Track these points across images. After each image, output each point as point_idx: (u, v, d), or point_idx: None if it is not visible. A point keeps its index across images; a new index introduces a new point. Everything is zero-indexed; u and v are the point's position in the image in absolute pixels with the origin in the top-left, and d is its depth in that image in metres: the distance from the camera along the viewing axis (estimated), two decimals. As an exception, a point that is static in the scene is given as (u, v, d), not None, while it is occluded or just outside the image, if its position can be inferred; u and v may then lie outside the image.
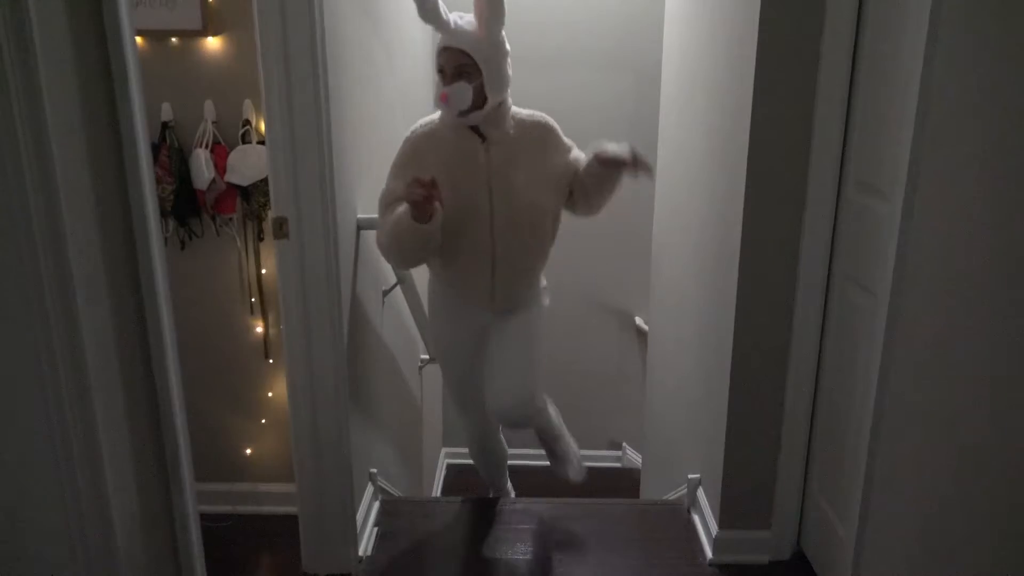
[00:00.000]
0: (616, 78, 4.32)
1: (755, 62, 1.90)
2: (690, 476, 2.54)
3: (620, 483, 4.62)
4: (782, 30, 1.87)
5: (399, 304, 3.04)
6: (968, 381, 1.41)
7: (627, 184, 4.32)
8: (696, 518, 2.49)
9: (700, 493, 2.49)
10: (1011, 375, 1.29)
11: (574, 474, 2.74)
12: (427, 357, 3.78)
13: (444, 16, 1.92)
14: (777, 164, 1.96)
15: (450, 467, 4.88)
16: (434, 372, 4.40)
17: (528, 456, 4.92)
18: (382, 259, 2.63)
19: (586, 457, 4.84)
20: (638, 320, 4.55)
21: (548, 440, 2.69)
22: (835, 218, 1.97)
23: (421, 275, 3.45)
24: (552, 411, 2.60)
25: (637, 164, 2.03)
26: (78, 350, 1.08)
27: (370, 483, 2.49)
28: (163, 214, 2.43)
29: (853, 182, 1.89)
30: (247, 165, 2.43)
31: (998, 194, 1.32)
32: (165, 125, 2.43)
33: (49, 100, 1.00)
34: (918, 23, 1.53)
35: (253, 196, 2.50)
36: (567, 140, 2.23)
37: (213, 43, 2.40)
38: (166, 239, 2.50)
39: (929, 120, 1.52)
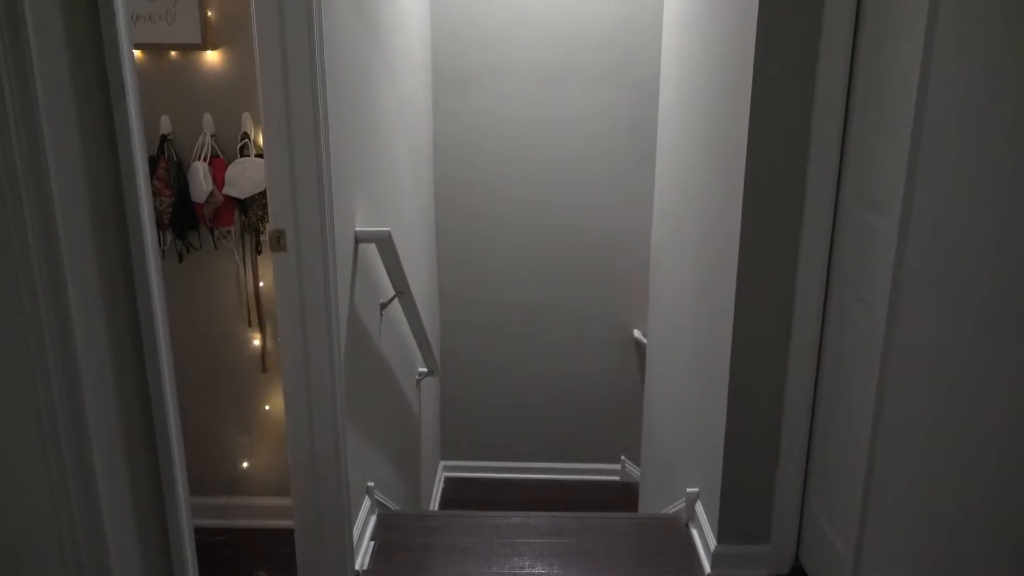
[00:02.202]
0: (615, 92, 4.34)
1: (752, 76, 1.90)
2: (688, 490, 2.53)
3: (619, 497, 4.61)
4: (779, 44, 1.88)
5: (397, 317, 3.04)
6: (966, 394, 1.41)
7: (625, 198, 4.37)
8: (695, 532, 2.48)
9: (698, 507, 2.48)
10: (1010, 388, 1.28)
11: None
12: (425, 370, 3.77)
13: None
14: (775, 177, 1.96)
15: (448, 480, 4.87)
16: (432, 385, 4.39)
17: (528, 470, 4.92)
18: (380, 271, 2.63)
19: (585, 470, 4.87)
20: (636, 333, 4.55)
21: None
22: (832, 231, 1.97)
23: (419, 289, 3.46)
24: None
25: None
26: (72, 361, 1.08)
27: (367, 496, 2.48)
28: (161, 227, 2.44)
29: (850, 195, 1.89)
30: (245, 178, 2.44)
31: (994, 207, 1.32)
32: (164, 138, 2.43)
33: (45, 112, 1.00)
34: (914, 38, 1.54)
35: (251, 209, 2.51)
36: None
37: (212, 57, 2.41)
38: (164, 252, 2.51)
39: (925, 133, 1.52)
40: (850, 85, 1.87)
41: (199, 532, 1.50)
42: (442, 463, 4.95)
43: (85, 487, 1.12)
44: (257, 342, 2.65)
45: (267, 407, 2.71)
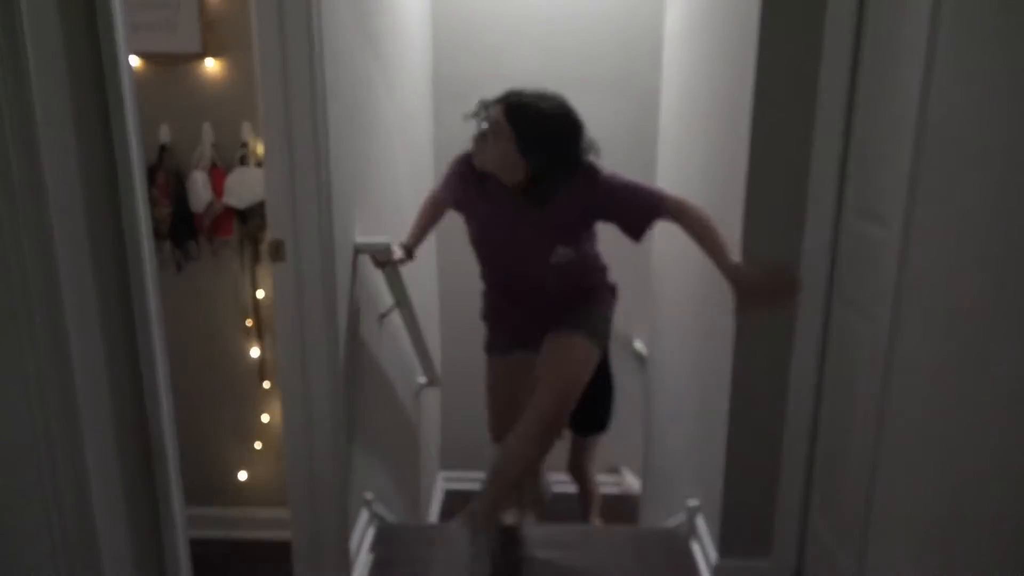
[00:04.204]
0: (616, 101, 4.34)
1: (753, 87, 1.90)
2: (689, 503, 2.51)
3: (618, 509, 4.57)
4: (780, 55, 1.88)
5: (396, 327, 3.03)
6: (969, 406, 1.39)
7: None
8: (695, 546, 2.45)
9: (699, 520, 2.46)
10: (1012, 400, 1.27)
11: None
12: (425, 380, 3.76)
13: None
14: (776, 189, 1.96)
15: (447, 492, 4.84)
16: (431, 396, 4.37)
17: (526, 481, 4.88)
18: (379, 282, 2.62)
19: (584, 482, 4.82)
20: (637, 344, 4.53)
21: None
22: (834, 244, 1.96)
23: (419, 299, 3.44)
24: None
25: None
26: (67, 371, 1.06)
27: (365, 509, 2.46)
28: (160, 236, 2.43)
29: (852, 207, 1.88)
30: (245, 188, 2.44)
31: (997, 219, 1.31)
32: (163, 147, 2.43)
33: (42, 120, 0.99)
34: (915, 49, 1.54)
35: (250, 219, 2.50)
36: None
37: (212, 66, 2.41)
38: (162, 262, 2.50)
39: (927, 145, 1.52)
40: (852, 96, 1.87)
41: (195, 544, 1.48)
42: (442, 474, 4.92)
43: (80, 496, 1.11)
44: (256, 353, 2.63)
45: (265, 418, 2.69)
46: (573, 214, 2.20)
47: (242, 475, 2.75)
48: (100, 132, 1.16)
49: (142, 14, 2.33)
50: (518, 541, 2.56)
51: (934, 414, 1.51)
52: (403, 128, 3.27)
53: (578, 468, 3.38)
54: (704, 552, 2.35)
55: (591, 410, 2.97)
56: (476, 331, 4.79)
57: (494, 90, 4.44)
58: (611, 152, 4.44)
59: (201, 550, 1.57)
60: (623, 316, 4.54)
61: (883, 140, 1.72)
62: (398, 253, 2.39)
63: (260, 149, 2.40)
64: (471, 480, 4.90)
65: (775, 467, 2.14)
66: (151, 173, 2.40)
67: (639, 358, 4.50)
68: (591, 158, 2.17)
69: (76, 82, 1.09)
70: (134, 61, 2.27)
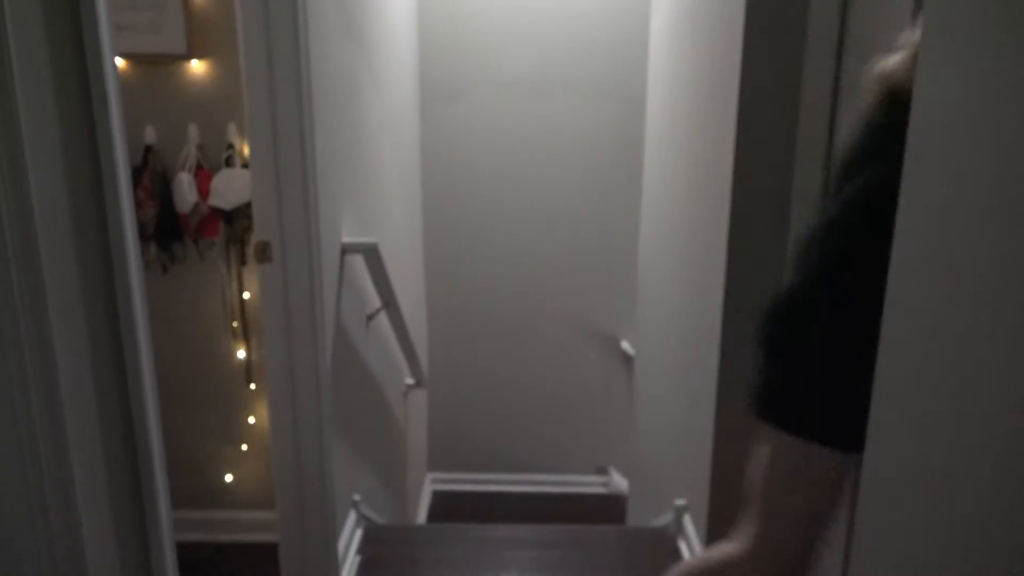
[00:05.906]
0: (602, 105, 4.36)
1: (738, 88, 1.91)
2: (676, 502, 2.52)
3: (606, 509, 4.59)
4: (765, 55, 1.89)
5: (384, 329, 3.02)
6: (957, 408, 1.40)
7: (614, 211, 4.36)
8: (683, 545, 2.46)
9: (686, 519, 2.47)
10: (1000, 402, 1.28)
11: None
12: (412, 382, 3.75)
13: None
14: (761, 191, 1.96)
15: (435, 493, 4.84)
16: (419, 397, 4.37)
17: (515, 482, 4.89)
18: (367, 283, 2.62)
19: (572, 482, 4.85)
20: (624, 344, 4.55)
21: None
22: (819, 243, 1.97)
23: (406, 300, 3.44)
24: None
25: None
26: (52, 374, 1.06)
27: (353, 510, 2.46)
28: (145, 238, 2.42)
29: (836, 207, 1.90)
30: (231, 189, 2.43)
31: (986, 217, 1.32)
32: (148, 148, 2.42)
33: (26, 122, 0.98)
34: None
35: (236, 220, 2.49)
36: None
37: (197, 67, 2.40)
38: (148, 263, 2.48)
39: (911, 143, 1.53)
40: (836, 96, 1.88)
41: (182, 547, 1.47)
42: (429, 475, 4.92)
43: (65, 499, 1.10)
44: (242, 354, 2.62)
45: (252, 420, 2.68)
46: None
47: (228, 477, 2.74)
48: (85, 133, 1.15)
49: (126, 15, 2.32)
50: (507, 540, 2.56)
51: (921, 415, 1.53)
52: (390, 128, 3.27)
53: None
54: (691, 551, 2.36)
55: None
56: (462, 336, 4.80)
57: (480, 92, 4.46)
58: (598, 154, 4.48)
59: (188, 553, 1.56)
60: (610, 316, 4.57)
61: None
62: None
63: (246, 150, 2.40)
64: (458, 481, 4.91)
65: (761, 466, 2.15)
66: (136, 174, 2.39)
67: (626, 358, 4.51)
68: None
69: (60, 83, 1.08)
70: (119, 62, 2.26)
